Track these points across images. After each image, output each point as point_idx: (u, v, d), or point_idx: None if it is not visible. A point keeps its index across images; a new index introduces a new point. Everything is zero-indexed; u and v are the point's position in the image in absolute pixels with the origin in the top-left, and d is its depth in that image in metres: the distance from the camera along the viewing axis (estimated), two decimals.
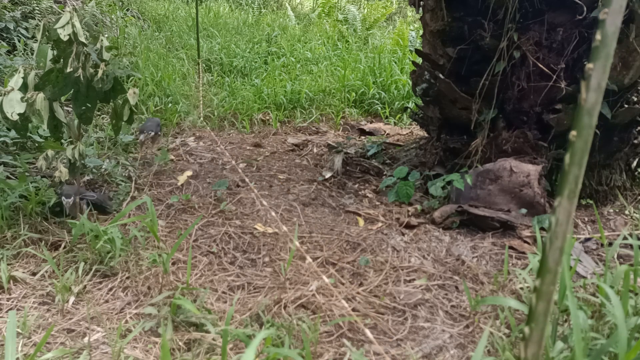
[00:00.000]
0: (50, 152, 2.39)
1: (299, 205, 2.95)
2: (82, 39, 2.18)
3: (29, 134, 3.10)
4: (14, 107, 2.13)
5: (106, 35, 5.63)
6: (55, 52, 2.23)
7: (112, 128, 2.60)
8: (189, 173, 3.26)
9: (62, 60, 2.22)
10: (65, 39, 2.13)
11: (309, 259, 2.31)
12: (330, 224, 2.76)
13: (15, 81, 2.21)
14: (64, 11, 2.20)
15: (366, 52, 6.43)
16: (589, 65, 0.68)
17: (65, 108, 2.60)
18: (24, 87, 2.24)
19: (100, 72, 2.24)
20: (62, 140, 2.59)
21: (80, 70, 2.21)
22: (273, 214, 2.77)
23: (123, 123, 2.54)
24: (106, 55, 2.32)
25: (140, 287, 2.08)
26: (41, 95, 2.20)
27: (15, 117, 2.13)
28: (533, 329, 0.73)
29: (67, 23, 2.13)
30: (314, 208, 2.95)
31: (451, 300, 2.11)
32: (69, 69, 2.17)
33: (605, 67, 0.67)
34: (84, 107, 2.35)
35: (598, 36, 0.67)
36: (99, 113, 3.85)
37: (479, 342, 1.50)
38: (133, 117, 2.53)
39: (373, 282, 2.21)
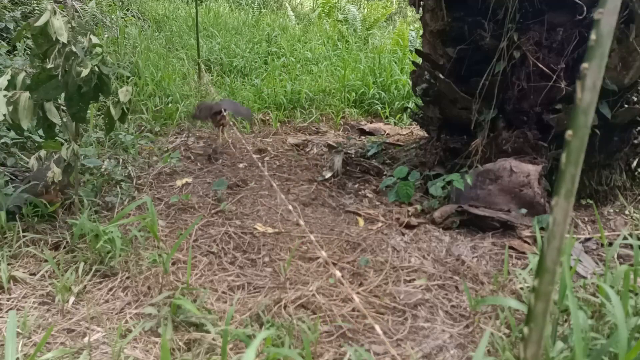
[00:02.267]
0: (42, 152, 2.37)
1: (299, 205, 2.95)
2: (63, 39, 2.15)
3: (29, 134, 3.10)
4: (0, 107, 2.12)
5: (106, 35, 5.65)
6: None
7: (105, 126, 2.59)
8: (188, 179, 3.26)
9: (47, 60, 2.20)
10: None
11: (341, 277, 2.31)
12: (330, 224, 2.76)
13: (1, 82, 2.19)
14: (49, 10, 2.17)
15: (366, 52, 6.43)
16: (584, 65, 0.68)
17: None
18: (12, 88, 2.21)
19: (85, 71, 2.20)
20: (63, 141, 2.58)
21: (60, 69, 2.18)
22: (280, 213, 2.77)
23: (117, 122, 2.51)
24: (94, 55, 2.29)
25: (140, 287, 2.08)
26: (25, 94, 2.18)
27: (1, 117, 2.12)
28: (532, 329, 0.73)
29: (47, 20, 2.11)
30: (314, 208, 2.95)
31: (451, 300, 2.11)
32: (50, 65, 2.15)
33: (600, 67, 0.67)
34: (77, 107, 2.34)
35: (593, 36, 0.67)
36: (99, 113, 3.85)
37: (479, 342, 1.50)
38: (125, 117, 2.49)
39: (373, 282, 2.21)
